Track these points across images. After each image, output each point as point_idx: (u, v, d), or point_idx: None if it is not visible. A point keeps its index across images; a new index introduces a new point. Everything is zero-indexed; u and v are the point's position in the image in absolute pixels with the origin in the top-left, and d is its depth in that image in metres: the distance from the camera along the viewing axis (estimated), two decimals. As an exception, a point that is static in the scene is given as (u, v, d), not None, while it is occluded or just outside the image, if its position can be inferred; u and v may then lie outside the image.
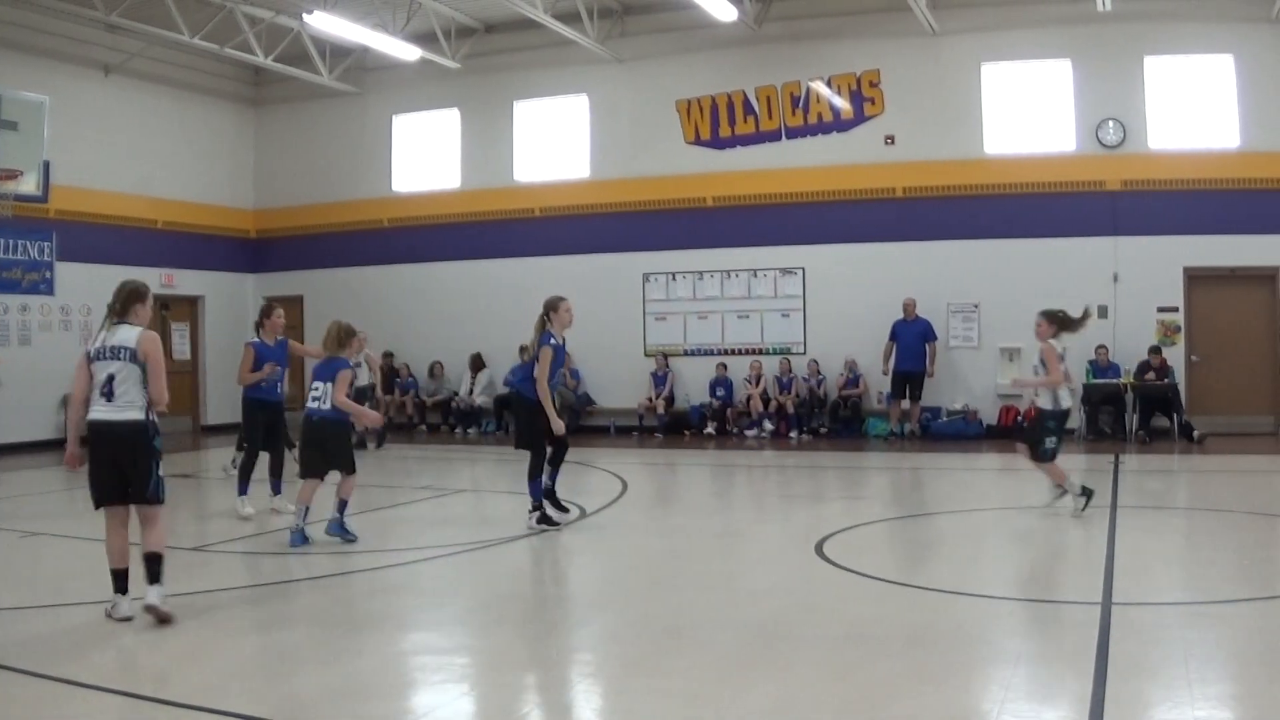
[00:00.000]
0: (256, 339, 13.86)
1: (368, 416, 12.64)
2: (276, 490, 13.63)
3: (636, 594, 9.48)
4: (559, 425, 12.28)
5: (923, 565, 10.49)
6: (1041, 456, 12.62)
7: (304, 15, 21.91)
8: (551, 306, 12.68)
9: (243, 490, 13.47)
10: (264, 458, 13.59)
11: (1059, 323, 12.87)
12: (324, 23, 21.82)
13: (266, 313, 14.19)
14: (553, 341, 12.41)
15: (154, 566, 8.16)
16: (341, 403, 11.61)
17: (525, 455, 12.50)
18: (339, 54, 26.06)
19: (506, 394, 14.87)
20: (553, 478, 12.71)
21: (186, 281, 26.75)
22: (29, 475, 18.84)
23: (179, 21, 22.02)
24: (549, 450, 12.52)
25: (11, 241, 22.42)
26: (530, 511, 12.27)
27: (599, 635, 8.16)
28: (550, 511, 12.38)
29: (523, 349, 13.62)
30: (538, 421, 12.31)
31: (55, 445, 22.87)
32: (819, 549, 10.69)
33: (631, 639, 7.93)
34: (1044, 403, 12.65)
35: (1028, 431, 13.25)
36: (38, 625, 8.32)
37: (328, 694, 6.72)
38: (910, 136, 22.59)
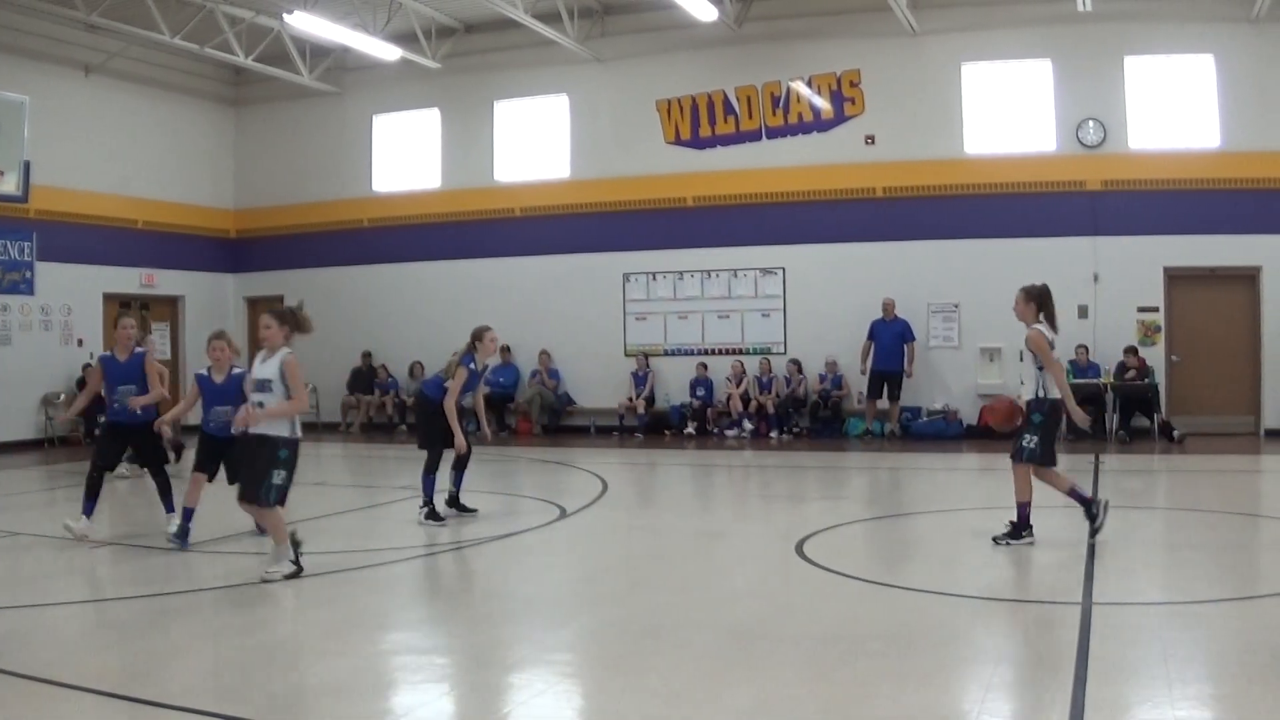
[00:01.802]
0: (109, 353, 12.72)
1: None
2: (169, 509, 12.45)
3: (616, 594, 9.46)
4: (461, 443, 12.97)
5: (903, 565, 10.50)
6: (1016, 456, 11.08)
7: (284, 15, 21.86)
8: (478, 335, 13.24)
9: (87, 510, 12.00)
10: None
11: (1039, 300, 11.16)
12: (304, 23, 21.79)
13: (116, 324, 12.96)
14: (471, 366, 13.03)
15: None
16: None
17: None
18: (319, 54, 26.05)
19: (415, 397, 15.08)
20: (457, 483, 13.35)
21: (167, 281, 26.76)
22: (9, 475, 18.73)
23: (159, 21, 21.97)
24: (443, 452, 13.17)
25: (-8, 242, 22.40)
26: (420, 507, 12.86)
27: (579, 635, 8.14)
28: (440, 509, 12.97)
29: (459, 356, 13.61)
30: (435, 424, 13.04)
31: (35, 445, 22.83)
32: (799, 549, 10.69)
33: (611, 639, 7.93)
34: (1028, 393, 11.09)
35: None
36: (17, 624, 8.26)
37: (308, 694, 6.71)
38: (890, 136, 22.62)
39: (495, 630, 8.33)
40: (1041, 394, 10.88)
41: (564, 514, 13.42)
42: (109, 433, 12.54)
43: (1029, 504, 10.92)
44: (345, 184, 27.28)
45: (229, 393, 11.46)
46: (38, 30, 22.95)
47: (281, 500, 9.76)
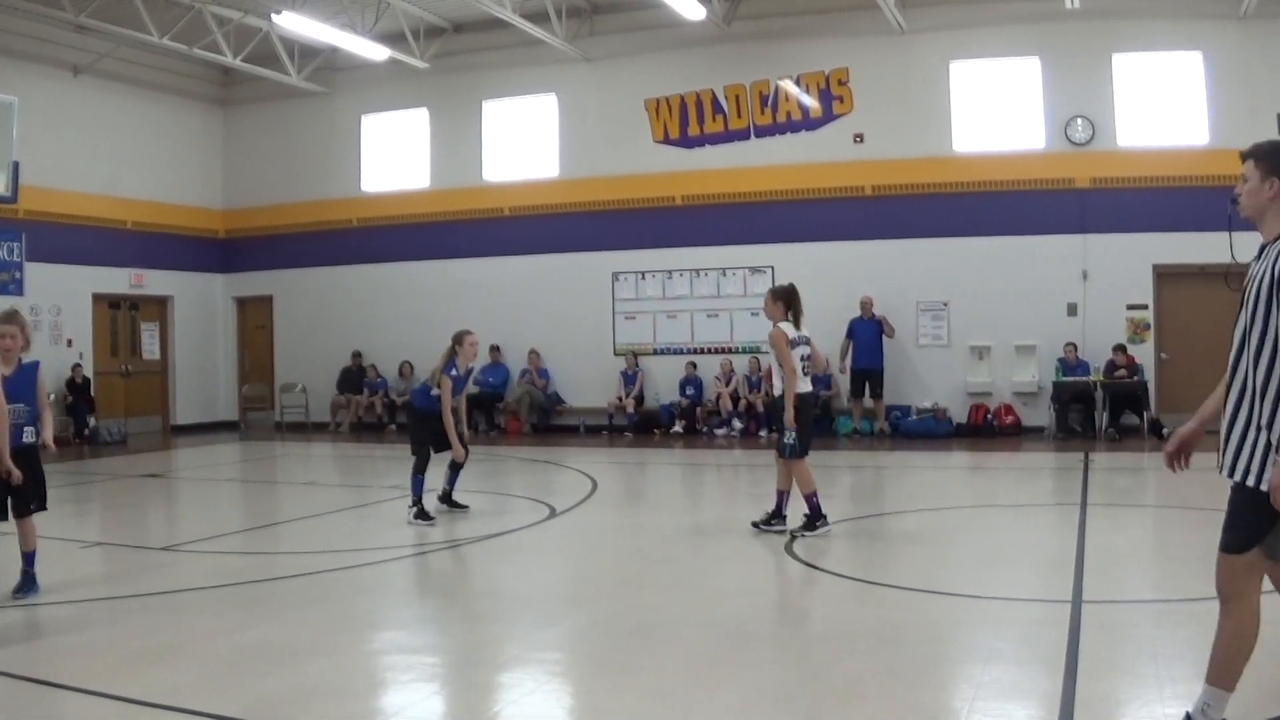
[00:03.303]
0: None
1: None
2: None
3: (605, 593, 9.44)
4: (459, 451, 13.20)
5: (892, 564, 10.45)
6: (781, 452, 11.58)
7: (272, 15, 21.85)
8: (457, 340, 13.25)
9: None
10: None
11: (786, 299, 11.67)
12: (292, 23, 21.77)
13: None
14: (453, 373, 13.06)
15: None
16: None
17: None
18: (308, 54, 26.02)
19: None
20: (450, 482, 13.54)
21: (156, 282, 26.74)
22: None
23: (147, 22, 21.98)
24: (433, 455, 13.30)
25: (-20, 242, 22.35)
26: (409, 507, 12.93)
27: (568, 634, 8.13)
28: (431, 506, 13.01)
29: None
30: (424, 428, 13.32)
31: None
32: (788, 548, 10.71)
33: (600, 638, 7.93)
34: (776, 390, 11.72)
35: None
36: (3, 624, 8.25)
37: (298, 694, 6.69)
38: (879, 135, 22.60)
39: (485, 629, 8.32)
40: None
41: (554, 513, 13.42)
42: None
43: (815, 494, 11.40)
44: (334, 184, 27.26)
45: (21, 389, 9.13)
46: (26, 31, 22.93)
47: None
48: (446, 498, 13.47)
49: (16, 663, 7.17)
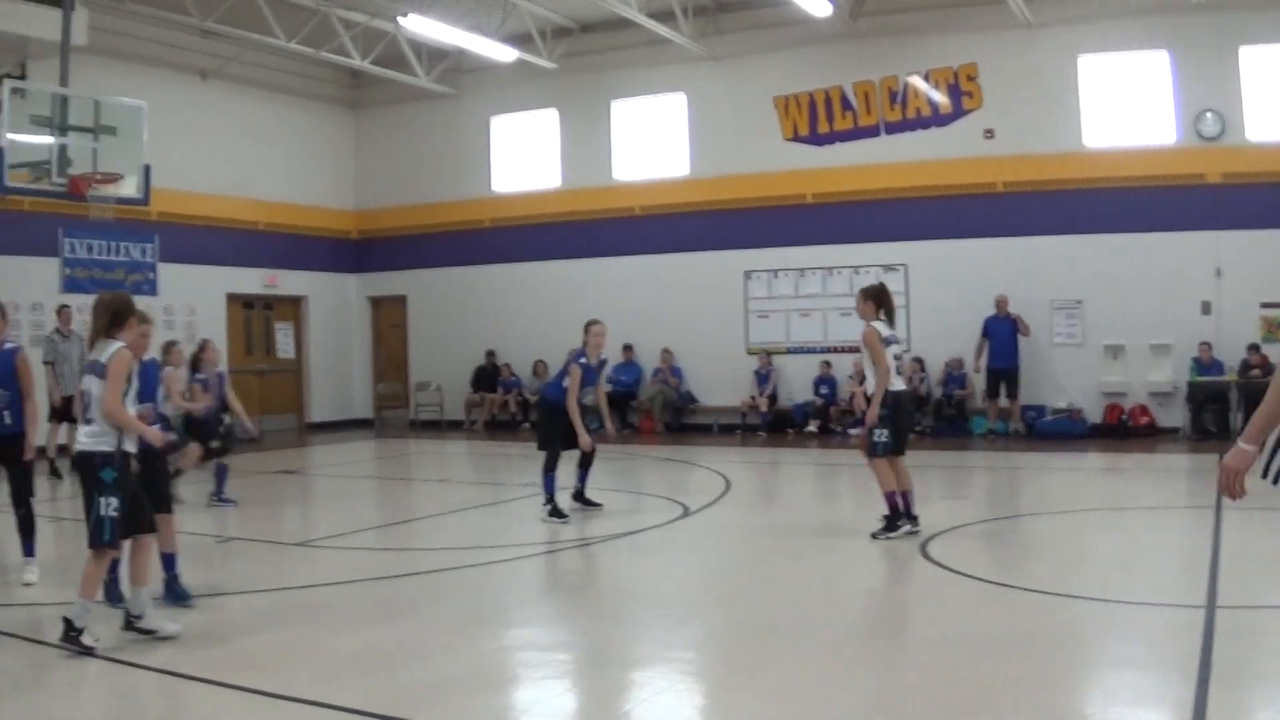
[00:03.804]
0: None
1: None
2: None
3: (737, 593, 9.49)
4: (585, 440, 13.28)
5: (1026, 566, 10.38)
6: (870, 451, 11.57)
7: (399, 18, 22.09)
8: (585, 329, 13.66)
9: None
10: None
11: (878, 298, 11.86)
12: (419, 25, 21.99)
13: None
14: (583, 361, 13.35)
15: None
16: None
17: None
18: (436, 56, 26.36)
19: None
20: (582, 480, 13.74)
21: (289, 282, 27.30)
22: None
23: (274, 26, 22.40)
24: (562, 453, 13.49)
25: (115, 243, 22.89)
26: (544, 504, 13.13)
27: (699, 634, 8.21)
28: (565, 505, 13.26)
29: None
30: (554, 423, 13.50)
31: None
32: (922, 549, 10.68)
33: (732, 638, 7.98)
34: (870, 388, 11.85)
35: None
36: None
37: (431, 688, 6.84)
38: (1009, 130, 22.33)
39: (617, 627, 8.43)
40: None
41: (686, 512, 13.50)
42: None
43: (895, 493, 11.36)
44: (465, 184, 27.59)
45: None
46: (154, 37, 23.41)
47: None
48: (579, 495, 13.62)
49: (150, 656, 7.40)
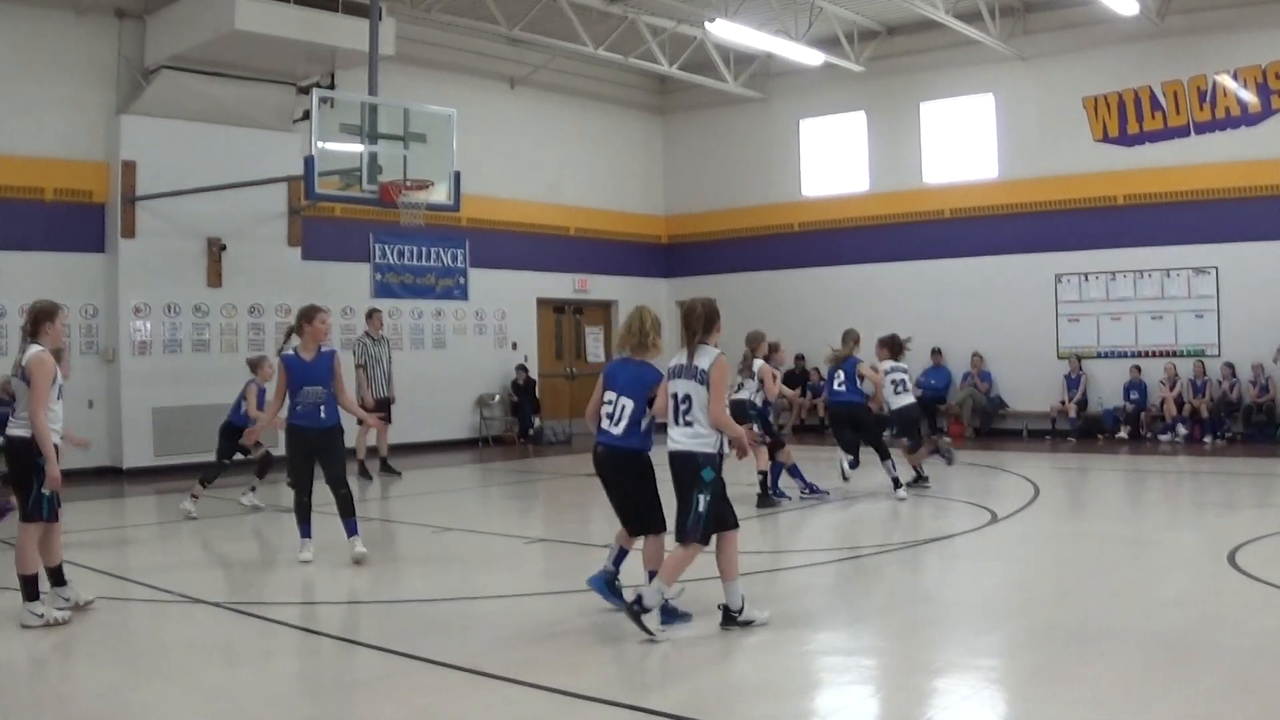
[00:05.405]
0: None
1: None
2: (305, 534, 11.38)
3: (1044, 600, 9.41)
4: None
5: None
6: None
7: (706, 24, 22.34)
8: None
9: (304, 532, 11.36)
10: None
11: (890, 346, 15.59)
12: (726, 31, 22.16)
13: (308, 316, 11.15)
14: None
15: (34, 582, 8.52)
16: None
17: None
18: (743, 60, 26.62)
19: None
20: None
21: (599, 286, 27.98)
22: (449, 472, 20.27)
23: (581, 34, 22.86)
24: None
25: (427, 249, 23.98)
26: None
27: (1005, 641, 8.16)
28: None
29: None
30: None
31: (470, 444, 24.35)
32: (1231, 559, 10.37)
33: (1038, 646, 7.88)
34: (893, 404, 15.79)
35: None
36: (449, 615, 9.02)
37: (733, 691, 7.01)
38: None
39: (922, 634, 8.41)
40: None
41: (995, 518, 13.39)
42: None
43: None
44: (774, 189, 27.84)
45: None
46: (463, 45, 24.27)
47: None
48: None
49: (455, 653, 7.72)
